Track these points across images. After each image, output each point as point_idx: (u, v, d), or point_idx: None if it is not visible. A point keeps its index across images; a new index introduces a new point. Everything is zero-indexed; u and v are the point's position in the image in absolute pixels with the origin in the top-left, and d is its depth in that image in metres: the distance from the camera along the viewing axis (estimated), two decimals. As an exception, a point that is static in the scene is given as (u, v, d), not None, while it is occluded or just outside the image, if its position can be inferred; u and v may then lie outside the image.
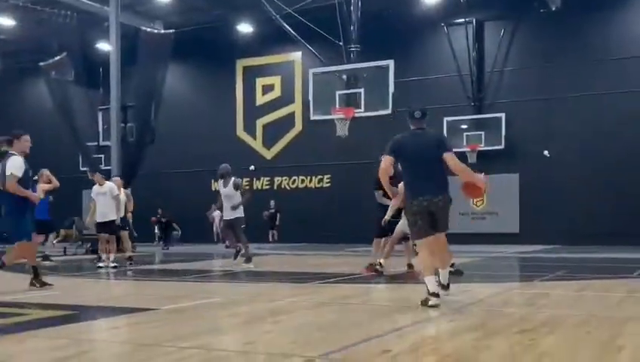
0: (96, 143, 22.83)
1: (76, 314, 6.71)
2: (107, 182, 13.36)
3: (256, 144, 25.89)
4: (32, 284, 8.66)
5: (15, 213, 8.37)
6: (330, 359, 4.44)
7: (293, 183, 24.88)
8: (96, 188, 13.23)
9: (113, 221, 13.02)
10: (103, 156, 22.42)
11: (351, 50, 19.46)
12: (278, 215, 24.18)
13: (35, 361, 4.58)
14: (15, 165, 8.30)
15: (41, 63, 22.80)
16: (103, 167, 21.80)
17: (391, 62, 17.25)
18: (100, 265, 12.77)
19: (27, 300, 7.48)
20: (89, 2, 22.23)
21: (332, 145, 20.91)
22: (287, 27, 21.22)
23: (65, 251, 19.10)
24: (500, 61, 22.33)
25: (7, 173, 8.25)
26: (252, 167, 24.41)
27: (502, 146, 21.77)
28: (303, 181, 24.93)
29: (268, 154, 25.45)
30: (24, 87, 29.39)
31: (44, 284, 8.70)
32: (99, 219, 13.04)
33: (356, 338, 5.06)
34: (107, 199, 12.94)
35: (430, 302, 6.56)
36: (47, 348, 5.01)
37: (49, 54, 23.14)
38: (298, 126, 25.10)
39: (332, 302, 7.60)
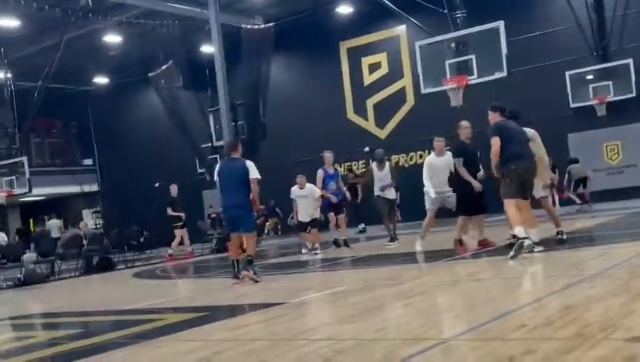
0: (210, 144, 23.63)
1: (209, 314, 7.00)
2: (308, 184, 13.95)
3: (369, 125, 25.89)
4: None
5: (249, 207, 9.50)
6: (464, 339, 4.40)
7: (411, 160, 24.69)
8: (295, 189, 14.00)
9: (316, 219, 14.03)
10: (217, 156, 23.20)
11: (456, 17, 19.04)
12: (398, 193, 24.07)
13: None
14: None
15: (150, 74, 23.84)
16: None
17: (501, 24, 16.67)
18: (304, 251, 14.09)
19: (162, 305, 7.88)
20: (189, 8, 22.98)
21: (447, 116, 20.53)
22: (388, 2, 21.03)
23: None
24: (622, 3, 21.07)
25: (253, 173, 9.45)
26: (367, 148, 24.43)
27: (633, 94, 20.58)
28: (421, 156, 24.71)
29: (381, 134, 25.39)
30: (136, 99, 30.87)
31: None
32: (305, 220, 13.92)
33: (488, 316, 4.97)
34: (309, 201, 13.76)
35: (525, 243, 7.72)
36: (183, 352, 5.27)
37: (156, 64, 24.17)
38: (410, 101, 24.85)
39: (460, 280, 7.51)
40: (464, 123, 10.47)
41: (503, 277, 7.63)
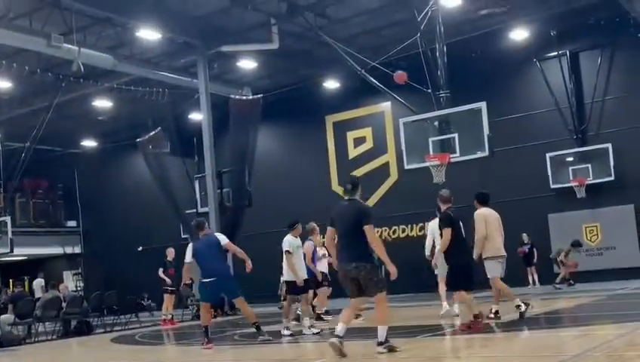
0: (195, 210, 23.70)
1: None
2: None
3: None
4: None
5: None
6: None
7: (394, 233, 24.83)
8: (291, 238, 12.14)
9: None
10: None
11: (440, 96, 19.48)
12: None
13: None
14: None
15: (138, 139, 24.05)
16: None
17: (483, 105, 17.09)
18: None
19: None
20: (179, 77, 23.37)
21: (430, 192, 20.80)
22: (373, 80, 21.57)
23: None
24: (601, 90, 21.71)
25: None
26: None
27: (612, 178, 21.00)
28: (403, 230, 24.86)
29: (364, 207, 25.60)
30: (122, 164, 30.98)
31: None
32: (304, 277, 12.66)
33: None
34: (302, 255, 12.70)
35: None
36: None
37: (145, 130, 24.42)
38: (394, 176, 25.14)
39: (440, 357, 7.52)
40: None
41: (482, 356, 7.68)
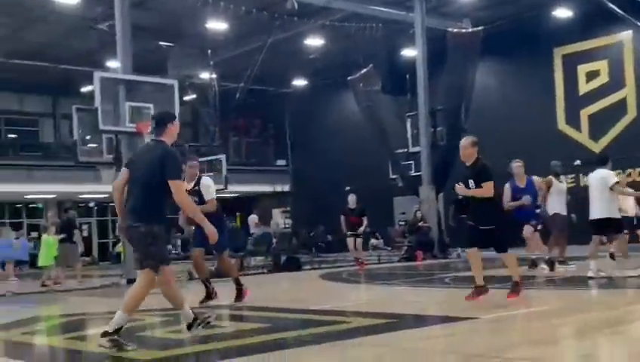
0: (405, 150, 23.71)
1: (396, 322, 6.96)
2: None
3: (581, 136, 24.61)
4: None
5: None
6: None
7: (629, 176, 23.09)
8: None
9: None
10: (412, 162, 23.20)
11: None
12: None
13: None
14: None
15: (349, 77, 24.39)
16: (412, 173, 22.56)
17: None
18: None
19: (348, 308, 7.97)
20: (393, 11, 23.22)
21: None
22: (612, 5, 19.92)
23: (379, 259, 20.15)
24: None
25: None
26: (577, 162, 23.25)
27: None
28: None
29: (596, 147, 24.03)
30: (332, 102, 31.71)
31: None
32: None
33: None
34: None
35: None
36: (371, 357, 5.28)
37: (356, 67, 24.67)
38: (631, 113, 23.37)
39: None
40: None
41: None
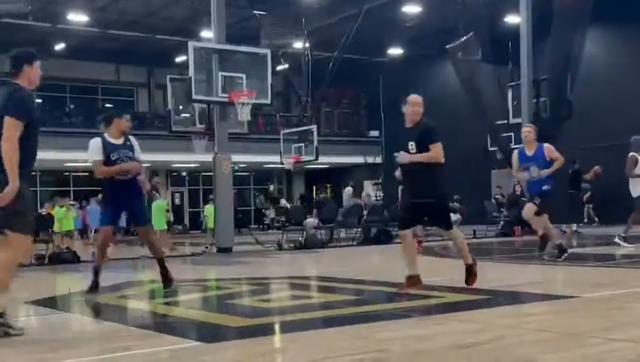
0: (505, 121, 23.17)
1: (490, 298, 6.84)
2: None
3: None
4: None
5: None
6: None
7: None
8: None
9: None
10: (512, 134, 22.64)
11: None
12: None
13: (452, 344, 4.77)
14: None
15: (448, 46, 23.94)
16: (512, 145, 22.06)
17: None
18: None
19: (440, 283, 7.88)
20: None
21: None
22: None
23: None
24: None
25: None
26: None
27: None
28: None
29: None
30: (429, 72, 31.24)
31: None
32: None
33: None
34: None
35: None
36: (462, 332, 5.22)
37: (455, 35, 24.18)
38: None
39: None
40: None
41: None
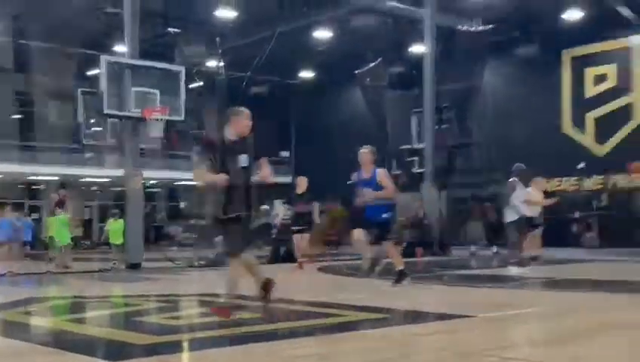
0: (409, 146, 23.70)
1: (389, 317, 6.96)
2: None
3: (586, 139, 24.60)
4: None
5: None
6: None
7: (630, 182, 23.09)
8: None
9: None
10: (416, 159, 23.19)
11: None
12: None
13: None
14: None
15: (356, 71, 24.36)
16: (416, 169, 22.62)
17: None
18: None
19: (341, 301, 7.96)
20: (404, 6, 23.15)
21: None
22: (622, 9, 19.86)
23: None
24: None
25: None
26: (582, 165, 23.31)
27: None
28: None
29: (600, 151, 24.06)
30: (339, 95, 31.65)
31: None
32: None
33: None
34: None
35: None
36: (362, 350, 5.28)
37: (364, 61, 24.63)
38: (637, 119, 23.38)
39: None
40: None
41: None
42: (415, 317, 7.20)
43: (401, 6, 23.08)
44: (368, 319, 6.85)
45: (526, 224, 13.38)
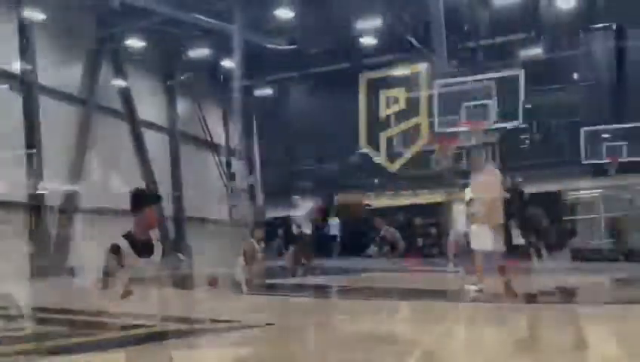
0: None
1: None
2: None
3: (380, 157, 26.04)
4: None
5: None
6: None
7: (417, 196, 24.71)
8: None
9: None
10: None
11: (479, 60, 19.33)
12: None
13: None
14: None
15: (169, 82, 24.22)
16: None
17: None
18: None
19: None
20: (214, 21, 23.22)
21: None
22: (412, 38, 21.31)
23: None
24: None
25: None
26: (375, 181, 24.79)
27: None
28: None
29: (392, 168, 25.61)
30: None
31: None
32: None
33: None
34: None
35: None
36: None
37: (177, 72, 24.47)
38: (424, 138, 25.09)
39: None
40: None
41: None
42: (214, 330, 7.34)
43: (211, 20, 23.06)
44: (179, 330, 6.86)
45: None
